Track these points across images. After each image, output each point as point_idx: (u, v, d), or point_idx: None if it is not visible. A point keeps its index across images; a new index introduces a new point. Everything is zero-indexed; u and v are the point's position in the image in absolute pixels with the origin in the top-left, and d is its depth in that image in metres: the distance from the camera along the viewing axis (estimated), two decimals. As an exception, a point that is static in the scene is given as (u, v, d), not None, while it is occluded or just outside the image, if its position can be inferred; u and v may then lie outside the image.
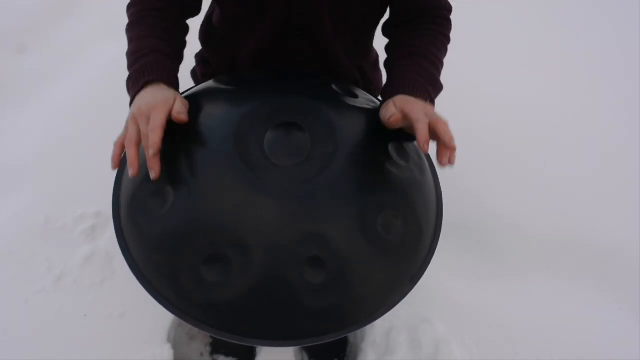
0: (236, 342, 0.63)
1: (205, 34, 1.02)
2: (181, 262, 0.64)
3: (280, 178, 0.65)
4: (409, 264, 0.70)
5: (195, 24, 0.99)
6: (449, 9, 0.91)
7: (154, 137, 0.66)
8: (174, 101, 0.71)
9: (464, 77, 1.91)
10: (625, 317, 1.37)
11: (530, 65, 2.10)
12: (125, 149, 0.69)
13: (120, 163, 0.76)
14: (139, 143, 0.68)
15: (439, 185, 0.81)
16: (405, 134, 0.81)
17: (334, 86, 0.81)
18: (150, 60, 0.77)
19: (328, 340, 0.65)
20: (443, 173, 0.85)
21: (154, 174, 0.66)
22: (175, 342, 1.27)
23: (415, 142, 0.77)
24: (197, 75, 1.09)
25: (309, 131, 0.69)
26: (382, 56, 1.09)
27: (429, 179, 0.79)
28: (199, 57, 1.08)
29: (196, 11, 0.93)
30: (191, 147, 0.69)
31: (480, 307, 1.34)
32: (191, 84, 1.07)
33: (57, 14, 2.23)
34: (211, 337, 1.30)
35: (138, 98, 0.74)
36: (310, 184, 0.65)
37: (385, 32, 0.94)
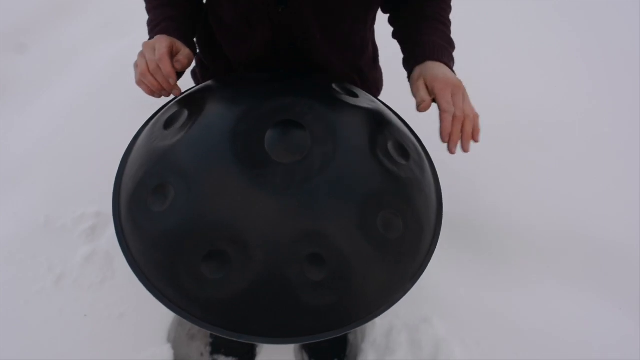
0: (236, 340, 0.63)
1: (201, 39, 1.02)
2: (181, 259, 0.64)
3: (280, 176, 0.65)
4: (408, 262, 0.71)
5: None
6: None
7: (166, 67, 0.73)
8: (181, 46, 0.79)
9: (463, 77, 1.91)
10: (625, 317, 1.37)
11: (530, 65, 2.11)
12: (144, 82, 0.75)
13: (121, 160, 0.76)
14: (150, 72, 0.74)
15: (439, 184, 0.81)
16: (405, 133, 0.81)
17: (334, 85, 0.81)
18: (162, 28, 0.83)
19: (328, 338, 0.65)
20: (443, 172, 0.85)
21: (177, 91, 0.76)
22: (175, 342, 1.27)
23: (417, 143, 0.78)
24: (197, 75, 1.09)
25: (309, 129, 0.69)
26: (382, 52, 1.10)
27: (429, 178, 0.80)
28: (199, 58, 1.08)
29: None
30: (192, 145, 0.69)
31: (480, 307, 1.34)
32: (191, 84, 1.07)
33: (57, 14, 2.23)
34: (211, 337, 1.30)
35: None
36: (311, 181, 0.65)
37: (387, 9, 0.95)
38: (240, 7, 0.82)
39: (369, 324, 1.27)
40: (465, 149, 0.73)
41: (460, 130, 0.73)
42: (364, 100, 0.81)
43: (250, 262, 0.62)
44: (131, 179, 0.72)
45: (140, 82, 0.76)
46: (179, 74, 0.82)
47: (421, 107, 0.76)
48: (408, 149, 0.77)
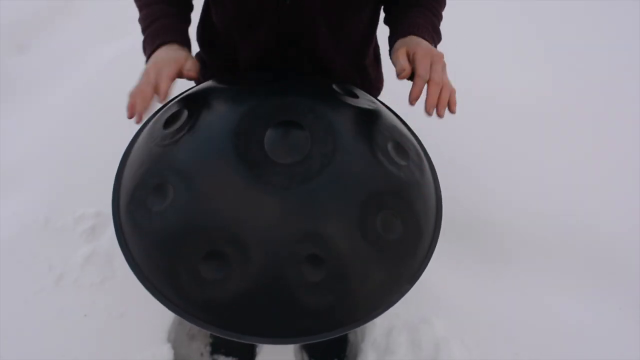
0: (235, 340, 0.63)
1: (201, 38, 1.02)
2: (180, 259, 0.64)
3: (279, 176, 0.65)
4: (408, 263, 0.70)
5: (193, 20, 0.99)
6: None
7: (163, 86, 0.72)
8: (185, 60, 0.78)
9: (463, 77, 1.91)
10: (625, 317, 1.37)
11: (530, 64, 2.11)
12: (129, 98, 0.73)
13: (121, 160, 0.76)
14: (145, 94, 0.72)
15: (439, 185, 0.81)
16: (405, 134, 0.81)
17: (334, 86, 0.81)
18: (162, 24, 0.82)
19: (327, 338, 0.65)
20: (442, 173, 0.85)
21: (137, 118, 0.71)
22: (175, 342, 1.27)
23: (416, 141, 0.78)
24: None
25: (309, 130, 0.69)
26: (382, 52, 1.10)
27: (429, 179, 0.79)
28: (198, 57, 1.08)
29: None
30: (191, 145, 0.69)
31: (480, 307, 1.34)
32: (191, 83, 1.07)
33: (57, 15, 2.23)
34: (211, 337, 1.30)
35: (153, 56, 0.80)
36: (310, 182, 0.65)
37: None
38: (246, 0, 0.82)
39: (369, 324, 1.27)
40: (440, 114, 0.72)
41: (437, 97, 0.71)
42: (364, 101, 0.81)
43: (250, 262, 0.62)
44: (131, 178, 0.72)
45: (130, 107, 0.73)
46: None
47: (401, 76, 0.75)
48: (408, 150, 0.77)
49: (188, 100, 0.79)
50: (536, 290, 1.40)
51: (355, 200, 0.66)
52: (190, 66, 0.78)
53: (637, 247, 1.49)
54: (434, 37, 0.85)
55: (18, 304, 1.28)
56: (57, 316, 1.27)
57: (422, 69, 0.72)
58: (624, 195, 1.64)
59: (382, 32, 1.02)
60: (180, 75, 0.78)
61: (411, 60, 0.76)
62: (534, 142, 1.78)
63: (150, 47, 0.82)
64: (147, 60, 0.82)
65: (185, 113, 0.75)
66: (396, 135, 0.78)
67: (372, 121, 0.77)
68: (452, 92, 0.73)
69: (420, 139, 0.87)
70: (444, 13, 0.92)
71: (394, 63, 0.78)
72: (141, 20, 0.87)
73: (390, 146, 0.74)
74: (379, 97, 0.98)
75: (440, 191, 0.81)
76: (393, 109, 0.89)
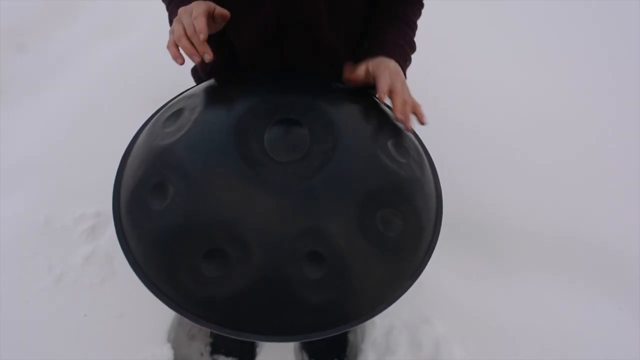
0: (235, 337, 0.64)
1: None
2: (180, 257, 0.64)
3: (279, 174, 0.65)
4: (408, 260, 0.71)
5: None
6: None
7: (200, 24, 0.71)
8: (214, 5, 0.77)
9: (463, 77, 1.92)
10: (625, 317, 1.37)
11: (530, 64, 2.11)
12: (178, 45, 0.72)
13: (121, 159, 0.76)
14: (186, 35, 0.72)
15: (439, 183, 0.82)
16: (405, 132, 0.81)
17: (333, 84, 0.81)
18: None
19: (328, 335, 0.65)
20: (442, 172, 0.85)
21: (208, 57, 0.71)
22: (175, 342, 1.27)
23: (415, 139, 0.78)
24: (198, 73, 1.09)
25: (309, 128, 0.69)
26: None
27: (429, 176, 0.80)
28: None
29: None
30: (191, 144, 0.70)
31: (481, 307, 1.34)
32: (192, 82, 1.07)
33: (57, 14, 2.23)
34: (211, 337, 1.30)
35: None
36: (310, 180, 0.65)
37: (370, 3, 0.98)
38: None
39: (369, 324, 1.27)
40: (407, 127, 0.76)
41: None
42: (364, 99, 0.81)
43: (250, 260, 0.62)
44: (131, 177, 0.72)
45: (171, 45, 0.74)
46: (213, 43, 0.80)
47: (347, 75, 0.82)
48: (408, 147, 0.77)
49: (188, 99, 0.79)
50: (536, 290, 1.40)
51: (355, 197, 0.66)
52: (221, 9, 0.77)
53: (637, 248, 1.49)
54: (408, 52, 0.90)
55: (18, 304, 1.28)
56: (57, 316, 1.26)
57: (382, 82, 0.77)
58: (624, 196, 1.64)
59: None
60: (212, 16, 0.77)
61: (371, 76, 0.80)
62: (534, 142, 1.78)
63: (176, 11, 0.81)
64: None
65: (186, 112, 0.75)
66: (396, 132, 0.78)
67: (372, 119, 0.77)
68: (416, 107, 0.78)
69: (420, 137, 0.87)
70: (425, 20, 0.98)
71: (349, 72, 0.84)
72: None
73: (390, 143, 0.74)
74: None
75: (440, 188, 0.81)
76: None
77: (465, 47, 2.10)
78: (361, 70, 0.82)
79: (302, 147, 0.68)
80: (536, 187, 1.64)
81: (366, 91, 0.87)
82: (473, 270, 1.43)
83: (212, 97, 0.78)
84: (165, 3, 0.90)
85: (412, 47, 0.93)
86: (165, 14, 0.90)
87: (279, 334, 0.63)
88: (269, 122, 0.70)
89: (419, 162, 0.78)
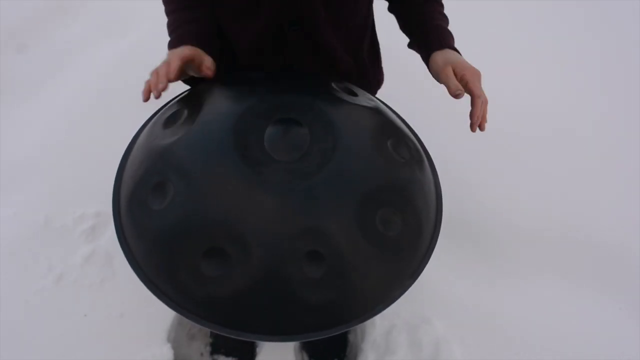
0: (235, 337, 0.63)
1: None
2: (180, 257, 0.64)
3: (279, 173, 0.65)
4: (408, 260, 0.71)
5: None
6: None
7: (173, 65, 0.75)
8: (203, 55, 0.81)
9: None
10: (625, 317, 1.37)
11: (530, 64, 2.11)
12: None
13: (121, 159, 0.76)
14: (159, 72, 0.75)
15: (438, 182, 0.82)
16: (404, 132, 0.81)
17: (333, 84, 0.81)
18: (182, 31, 0.85)
19: (328, 335, 0.65)
20: (443, 171, 0.85)
21: (156, 92, 0.74)
22: (175, 342, 1.27)
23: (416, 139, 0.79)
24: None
25: (309, 127, 0.69)
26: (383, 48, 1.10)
27: (429, 176, 0.80)
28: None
29: None
30: (191, 143, 0.70)
31: (481, 307, 1.34)
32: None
33: (57, 14, 2.23)
34: (211, 337, 1.30)
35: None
36: (310, 179, 0.65)
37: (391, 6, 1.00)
38: None
39: (369, 324, 1.27)
40: (483, 129, 0.84)
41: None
42: (363, 99, 0.81)
43: (249, 259, 0.62)
44: (131, 177, 0.72)
45: (145, 92, 0.77)
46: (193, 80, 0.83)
47: (458, 96, 0.83)
48: (407, 147, 0.77)
49: (188, 100, 0.79)
50: (536, 290, 1.40)
51: (355, 196, 0.66)
52: (209, 64, 0.80)
53: (637, 248, 1.49)
54: (451, 33, 0.94)
55: (18, 304, 1.28)
56: (57, 316, 1.27)
57: (477, 90, 0.82)
58: (624, 196, 1.64)
59: (382, 29, 1.02)
60: (198, 66, 0.80)
61: (460, 79, 0.83)
62: (535, 143, 1.78)
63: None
64: None
65: (186, 112, 0.75)
66: (396, 132, 0.78)
67: (371, 118, 0.77)
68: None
69: (419, 136, 0.87)
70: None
71: (443, 81, 0.85)
72: (167, 26, 0.90)
73: (390, 143, 0.74)
74: (378, 95, 0.98)
75: (440, 188, 0.81)
76: (393, 107, 0.89)
77: (468, 47, 2.10)
78: (453, 81, 0.83)
79: (302, 146, 0.68)
80: (536, 187, 1.64)
81: (365, 84, 0.87)
82: (473, 270, 1.43)
83: (212, 97, 0.78)
84: (168, 30, 0.91)
85: (448, 22, 0.96)
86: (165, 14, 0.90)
87: (278, 333, 0.63)
88: (269, 121, 0.70)
89: (418, 161, 0.78)
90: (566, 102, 1.95)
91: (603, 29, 2.34)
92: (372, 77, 1.06)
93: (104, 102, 1.79)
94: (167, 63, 0.77)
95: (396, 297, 0.69)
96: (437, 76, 0.88)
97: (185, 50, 0.79)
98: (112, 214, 0.72)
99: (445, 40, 0.90)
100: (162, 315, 1.27)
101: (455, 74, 0.84)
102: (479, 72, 0.85)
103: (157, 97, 0.75)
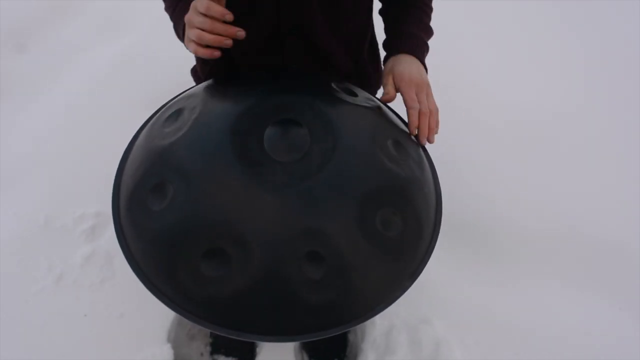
0: (235, 338, 0.63)
1: None
2: (180, 257, 0.64)
3: (279, 174, 0.65)
4: (408, 260, 0.71)
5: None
6: None
7: (216, 9, 0.69)
8: None
9: (463, 76, 1.92)
10: (625, 317, 1.37)
11: (529, 64, 2.11)
12: (206, 42, 0.71)
13: (121, 160, 0.76)
14: (207, 30, 0.70)
15: (438, 183, 0.82)
16: (404, 132, 0.82)
17: (333, 84, 0.81)
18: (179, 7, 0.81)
19: (327, 336, 0.65)
20: (443, 172, 0.85)
21: (240, 34, 0.71)
22: (175, 342, 1.27)
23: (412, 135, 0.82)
24: (198, 72, 1.09)
25: (308, 128, 0.69)
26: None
27: (428, 176, 0.80)
28: (198, 57, 1.08)
29: None
30: (191, 143, 0.70)
31: (481, 307, 1.34)
32: (191, 82, 1.07)
33: (57, 14, 2.23)
34: (211, 337, 1.30)
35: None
36: (309, 179, 0.65)
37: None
38: None
39: (369, 324, 1.27)
40: (431, 141, 0.82)
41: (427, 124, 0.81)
42: (363, 99, 0.81)
43: (249, 260, 0.62)
44: (130, 177, 0.72)
45: (197, 49, 0.73)
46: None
47: (383, 98, 0.85)
48: (407, 147, 0.77)
49: (188, 99, 0.79)
50: (536, 290, 1.40)
51: (354, 197, 0.66)
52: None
53: (637, 248, 1.49)
54: (425, 41, 0.92)
55: (18, 304, 1.28)
56: (57, 316, 1.26)
57: (409, 101, 0.82)
58: (624, 195, 1.64)
59: (381, 29, 1.02)
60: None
61: (397, 88, 0.84)
62: (535, 143, 1.78)
63: (182, 21, 0.78)
64: (182, 34, 0.80)
65: (185, 112, 0.75)
66: (395, 132, 0.78)
67: (371, 119, 0.77)
68: (436, 114, 0.83)
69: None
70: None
71: (383, 84, 0.87)
72: (166, 8, 0.88)
73: (389, 143, 0.74)
74: (378, 95, 0.98)
75: (440, 188, 0.81)
76: (393, 107, 0.89)
77: (468, 47, 2.10)
78: (390, 88, 0.84)
79: (302, 147, 0.68)
80: (536, 187, 1.64)
81: (365, 85, 0.87)
82: (473, 270, 1.43)
83: (211, 97, 0.78)
84: (168, 13, 0.89)
85: (429, 33, 0.94)
86: (166, 15, 0.90)
87: (278, 334, 0.63)
88: (269, 122, 0.70)
89: (418, 161, 0.78)
90: (569, 103, 1.95)
91: (606, 29, 2.34)
92: (372, 77, 1.06)
93: (104, 102, 1.79)
94: (205, 15, 0.69)
95: (396, 297, 0.69)
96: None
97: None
98: (111, 215, 0.72)
99: (403, 46, 0.89)
100: (162, 315, 1.27)
101: (394, 82, 0.85)
102: (421, 82, 0.84)
103: (234, 35, 0.70)
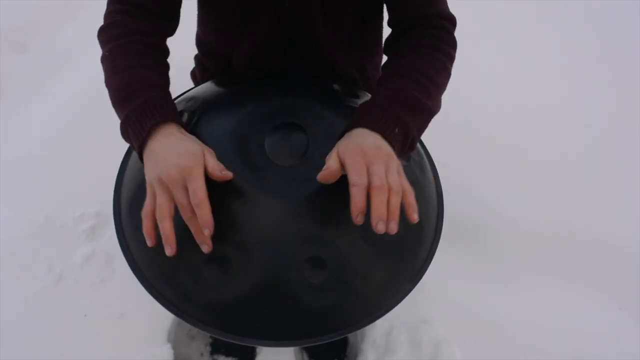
0: (237, 343, 0.63)
1: (200, 39, 1.01)
2: (181, 261, 0.64)
3: (281, 178, 0.65)
4: (409, 264, 0.70)
5: (191, 25, 0.99)
6: (449, 18, 0.78)
7: (205, 215, 0.56)
8: (204, 155, 0.60)
9: (463, 76, 1.91)
10: (625, 317, 1.37)
11: (529, 63, 2.10)
12: (158, 223, 0.59)
13: (122, 161, 0.76)
14: (172, 214, 0.58)
15: (440, 186, 0.81)
16: None
17: (335, 87, 0.81)
18: (151, 97, 0.64)
19: (328, 341, 0.65)
20: (443, 174, 0.85)
21: (206, 248, 0.58)
22: (175, 342, 1.27)
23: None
24: (197, 76, 1.09)
25: (310, 132, 0.69)
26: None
27: (430, 179, 0.80)
28: (197, 58, 1.08)
29: (174, 30, 0.82)
30: None
31: (480, 307, 1.34)
32: (191, 84, 1.07)
33: (57, 15, 2.23)
34: (211, 337, 1.30)
35: (155, 153, 0.61)
36: (311, 184, 0.65)
37: (385, 51, 0.83)
38: (243, 4, 0.81)
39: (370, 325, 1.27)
40: (391, 230, 0.56)
41: (386, 204, 0.56)
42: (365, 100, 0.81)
43: (251, 264, 0.62)
44: (131, 180, 0.72)
45: (150, 230, 0.59)
46: None
47: (320, 175, 0.60)
48: None
49: (188, 102, 0.79)
50: (536, 290, 1.40)
51: None
52: (216, 164, 0.60)
53: (637, 248, 1.49)
54: (402, 116, 0.65)
55: (18, 304, 1.28)
56: (57, 316, 1.26)
57: (354, 176, 0.56)
58: (624, 195, 1.64)
59: (384, 32, 1.02)
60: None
61: (341, 160, 0.59)
62: (535, 143, 1.77)
63: (140, 134, 0.63)
64: (139, 152, 0.64)
65: (185, 115, 0.75)
66: None
67: None
68: (405, 194, 0.58)
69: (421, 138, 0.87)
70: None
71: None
72: (115, 90, 0.70)
73: None
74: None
75: (441, 190, 0.81)
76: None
77: (467, 46, 2.09)
78: (332, 162, 0.60)
79: (304, 150, 0.68)
80: (536, 187, 1.63)
81: (368, 94, 0.87)
82: (473, 271, 1.43)
83: (211, 100, 0.78)
84: (101, 45, 0.73)
85: (413, 108, 0.67)
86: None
87: (280, 338, 0.63)
88: (270, 125, 0.69)
89: (419, 164, 0.78)
90: (569, 103, 1.94)
91: (607, 29, 2.34)
92: (375, 80, 1.06)
93: (104, 102, 1.77)
94: (185, 205, 0.56)
95: (397, 301, 0.69)
96: None
97: (200, 184, 0.57)
98: (112, 215, 0.72)
99: (363, 120, 0.64)
100: (162, 315, 1.26)
101: (339, 155, 0.60)
102: (376, 153, 0.59)
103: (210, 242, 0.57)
